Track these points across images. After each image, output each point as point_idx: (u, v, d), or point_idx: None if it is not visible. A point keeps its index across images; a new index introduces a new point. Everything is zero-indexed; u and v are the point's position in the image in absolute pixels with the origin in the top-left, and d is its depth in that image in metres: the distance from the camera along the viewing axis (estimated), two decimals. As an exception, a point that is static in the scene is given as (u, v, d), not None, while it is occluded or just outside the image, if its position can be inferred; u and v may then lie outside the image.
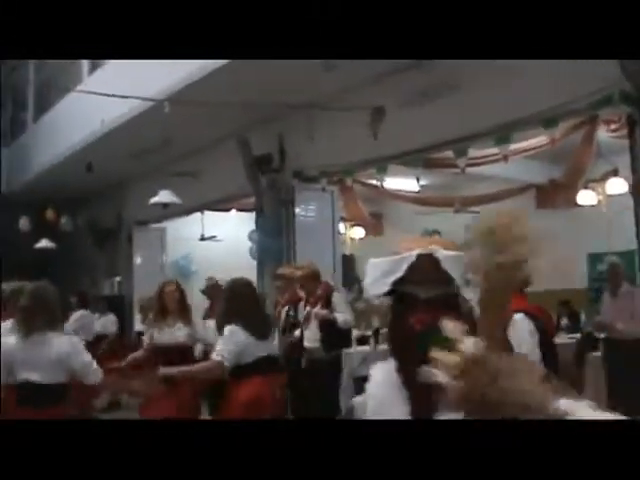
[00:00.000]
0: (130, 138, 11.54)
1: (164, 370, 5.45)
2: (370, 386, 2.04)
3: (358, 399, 2.05)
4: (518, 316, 3.69)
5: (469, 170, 8.94)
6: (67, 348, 4.78)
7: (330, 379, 7.95)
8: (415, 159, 8.90)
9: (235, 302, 5.43)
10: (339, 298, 7.96)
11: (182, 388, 6.11)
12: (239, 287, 5.64)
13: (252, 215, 12.63)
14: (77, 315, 10.36)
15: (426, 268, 1.85)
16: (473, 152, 8.51)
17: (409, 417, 1.84)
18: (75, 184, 14.70)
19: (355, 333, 11.76)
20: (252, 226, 11.57)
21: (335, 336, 7.93)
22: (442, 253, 1.84)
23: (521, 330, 3.69)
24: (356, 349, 11.09)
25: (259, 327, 5.38)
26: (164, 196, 9.23)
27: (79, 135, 12.68)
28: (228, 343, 5.20)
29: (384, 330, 12.17)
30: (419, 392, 1.79)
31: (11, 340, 4.88)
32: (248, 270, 11.66)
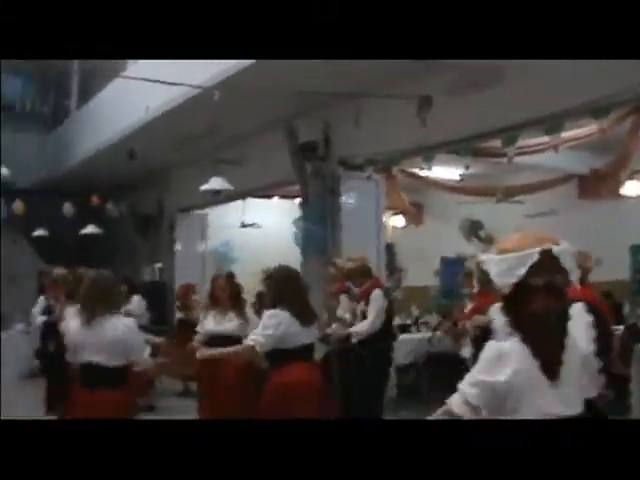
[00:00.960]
0: (174, 126, 11.60)
1: (201, 352, 5.55)
2: (507, 373, 2.26)
3: (499, 386, 2.22)
4: (578, 306, 3.69)
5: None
6: (124, 331, 4.91)
7: (378, 369, 7.93)
8: (464, 148, 8.87)
9: (280, 288, 5.50)
10: (376, 296, 7.72)
11: (227, 371, 6.24)
12: (284, 274, 5.72)
13: (294, 203, 12.69)
14: (135, 300, 10.49)
15: (546, 262, 2.29)
16: (521, 141, 8.47)
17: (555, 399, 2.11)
18: (118, 171, 14.83)
19: (396, 321, 11.82)
20: (294, 214, 11.63)
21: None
22: (558, 249, 2.31)
23: (578, 319, 3.70)
24: (398, 338, 11.15)
25: (303, 314, 5.44)
26: (216, 183, 9.27)
27: (123, 122, 12.77)
28: (267, 327, 5.29)
29: (424, 319, 12.22)
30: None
31: (74, 324, 5.05)
32: (289, 257, 11.75)
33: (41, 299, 10.95)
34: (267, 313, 5.38)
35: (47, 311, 9.78)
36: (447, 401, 2.40)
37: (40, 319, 10.04)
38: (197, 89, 9.28)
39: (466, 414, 2.25)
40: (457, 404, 2.32)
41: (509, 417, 2.05)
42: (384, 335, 7.74)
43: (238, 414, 6.04)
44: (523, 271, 2.28)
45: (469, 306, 7.33)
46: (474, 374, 2.35)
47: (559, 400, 2.17)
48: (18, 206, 13.56)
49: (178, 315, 12.05)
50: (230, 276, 7.01)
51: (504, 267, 2.35)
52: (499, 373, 2.25)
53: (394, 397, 10.19)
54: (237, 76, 8.84)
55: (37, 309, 10.05)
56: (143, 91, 10.83)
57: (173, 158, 13.95)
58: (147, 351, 5.07)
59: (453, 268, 12.48)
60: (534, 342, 2.26)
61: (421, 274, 14.73)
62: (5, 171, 10.81)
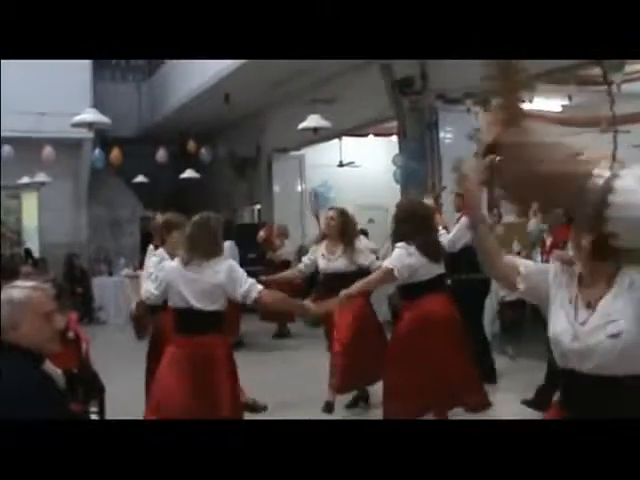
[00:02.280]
0: (266, 68, 11.55)
1: (344, 292, 5.43)
2: None
3: None
4: None
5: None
6: (224, 273, 4.85)
7: (477, 300, 7.87)
8: (566, 77, 8.54)
9: (409, 223, 5.46)
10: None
11: (356, 300, 6.18)
12: (414, 208, 5.69)
13: (390, 140, 12.54)
14: (227, 246, 10.64)
15: None
16: (628, 67, 8.10)
17: None
18: (213, 115, 14.93)
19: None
20: (390, 151, 11.49)
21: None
22: None
23: None
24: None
25: (431, 249, 5.44)
26: (313, 120, 9.23)
27: (215, 67, 12.79)
28: (400, 258, 5.30)
29: (525, 253, 12.00)
30: None
31: (173, 264, 5.05)
32: (388, 195, 11.66)
33: (150, 248, 11.18)
34: (399, 245, 5.38)
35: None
36: None
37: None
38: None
39: None
40: None
41: None
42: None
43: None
44: None
45: (548, 241, 7.16)
46: None
47: None
48: (116, 154, 13.81)
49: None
50: (341, 210, 6.95)
51: None
52: None
53: (498, 333, 10.11)
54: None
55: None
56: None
57: (268, 99, 13.92)
58: (256, 283, 4.98)
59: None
60: None
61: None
62: (104, 119, 10.98)
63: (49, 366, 3.06)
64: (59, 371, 3.17)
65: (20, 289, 3.05)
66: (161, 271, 5.06)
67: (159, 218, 8.28)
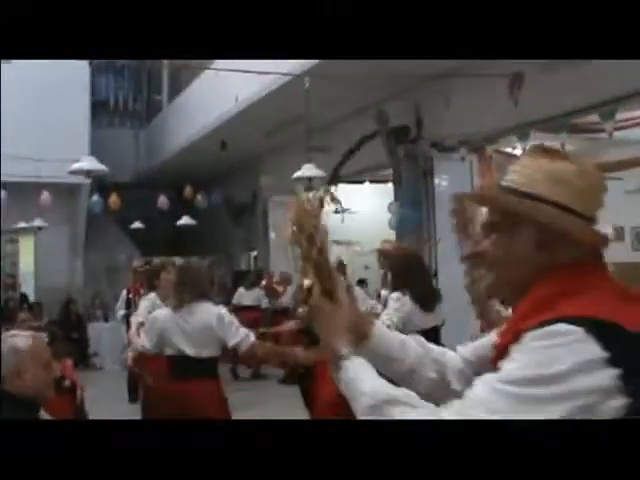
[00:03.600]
0: (265, 114, 11.68)
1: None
2: None
3: None
4: None
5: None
6: (215, 317, 4.90)
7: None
8: (560, 124, 8.64)
9: (404, 272, 5.49)
10: None
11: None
12: (409, 257, 5.72)
13: (386, 187, 12.61)
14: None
15: None
16: (620, 115, 8.20)
17: None
18: (211, 162, 15.05)
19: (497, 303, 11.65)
20: (386, 198, 11.55)
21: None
22: None
23: None
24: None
25: (425, 298, 5.46)
26: (307, 170, 9.30)
27: (214, 113, 12.94)
28: (397, 310, 5.31)
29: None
30: None
31: (163, 312, 5.11)
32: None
33: (123, 293, 11.29)
34: (393, 296, 5.42)
35: (127, 305, 10.08)
36: None
37: (120, 313, 10.32)
38: (287, 77, 9.32)
39: None
40: None
41: None
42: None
43: None
44: None
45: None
46: None
47: None
48: (113, 200, 13.88)
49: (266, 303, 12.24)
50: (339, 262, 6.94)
51: None
52: None
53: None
54: (326, 63, 8.81)
55: (120, 303, 10.32)
56: (232, 82, 10.94)
57: (264, 146, 14.05)
58: (245, 331, 5.01)
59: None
60: None
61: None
62: (101, 167, 11.06)
63: (45, 415, 3.07)
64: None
65: (23, 338, 3.07)
66: (154, 322, 5.09)
67: (135, 265, 8.31)
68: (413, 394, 1.61)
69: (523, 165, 1.69)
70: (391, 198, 10.95)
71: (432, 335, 5.50)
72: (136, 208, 15.55)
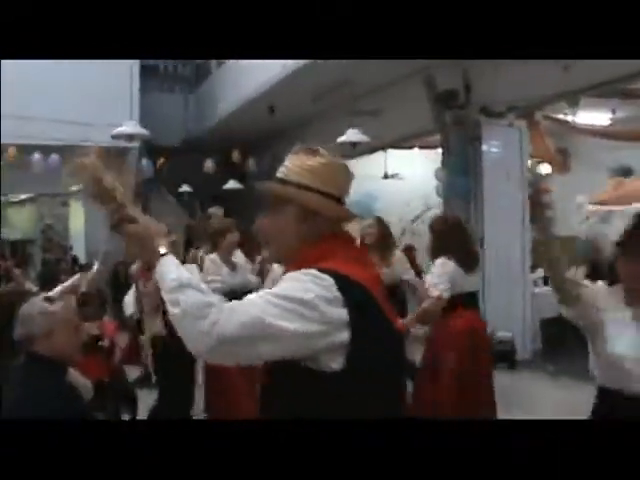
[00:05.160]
0: (312, 79, 11.60)
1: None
2: None
3: None
4: None
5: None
6: None
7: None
8: (611, 90, 8.45)
9: (446, 236, 5.51)
10: None
11: None
12: (450, 222, 5.79)
13: (435, 153, 12.49)
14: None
15: None
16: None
17: None
18: (258, 126, 15.02)
19: (541, 273, 11.55)
20: (435, 164, 11.45)
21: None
22: None
23: None
24: (542, 289, 10.89)
25: (469, 260, 5.50)
26: (352, 135, 9.24)
27: (261, 78, 12.87)
28: (442, 276, 5.31)
29: (570, 269, 11.83)
30: None
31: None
32: (432, 208, 11.63)
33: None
34: (438, 262, 5.43)
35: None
36: None
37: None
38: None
39: None
40: None
41: None
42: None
43: None
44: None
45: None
46: None
47: None
48: (162, 163, 13.97)
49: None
50: (379, 220, 6.84)
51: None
52: None
53: (540, 350, 10.00)
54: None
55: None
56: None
57: (312, 111, 13.97)
58: None
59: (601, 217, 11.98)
60: None
61: (567, 224, 14.22)
62: (142, 131, 11.11)
63: (74, 376, 3.11)
64: (87, 382, 3.22)
65: (55, 301, 3.13)
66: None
67: (212, 221, 8.20)
68: (205, 286, 2.05)
69: (290, 161, 2.29)
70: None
71: (474, 299, 5.65)
72: (184, 172, 15.62)
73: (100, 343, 4.96)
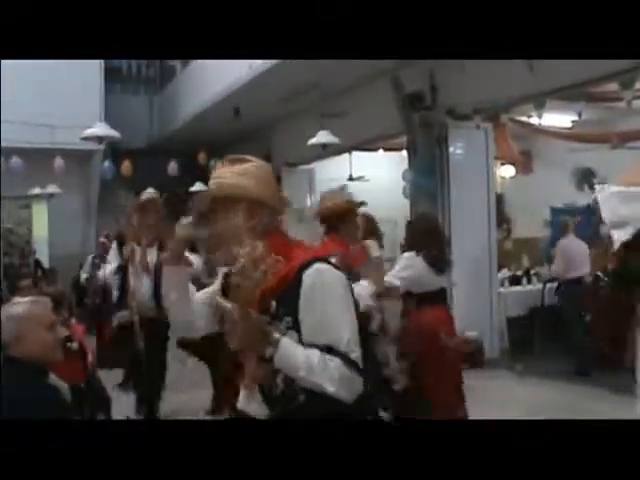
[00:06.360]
0: (278, 82, 11.59)
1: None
2: None
3: None
4: None
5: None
6: None
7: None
8: (577, 93, 8.54)
9: (417, 234, 5.58)
10: None
11: None
12: (422, 220, 5.92)
13: (400, 155, 12.55)
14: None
15: None
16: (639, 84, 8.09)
17: None
18: (224, 128, 14.98)
19: (506, 273, 11.67)
20: (400, 166, 11.51)
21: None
22: None
23: None
24: (509, 289, 11.01)
25: (437, 260, 5.52)
26: (322, 136, 9.25)
27: (227, 80, 12.83)
28: (403, 268, 5.41)
29: (535, 270, 11.98)
30: None
31: None
32: (398, 210, 11.68)
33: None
34: (405, 255, 5.56)
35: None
36: None
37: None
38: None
39: None
40: None
41: None
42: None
43: None
44: None
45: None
46: None
47: None
48: (126, 166, 13.84)
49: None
50: (366, 217, 6.75)
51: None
52: None
53: (507, 349, 10.08)
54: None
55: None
56: (247, 47, 10.82)
57: (278, 113, 13.97)
58: None
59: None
60: None
61: (531, 225, 14.40)
62: (113, 133, 11.02)
63: (54, 379, 3.10)
64: (65, 384, 3.20)
65: (20, 304, 3.12)
66: None
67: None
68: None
69: (222, 170, 2.52)
70: (405, 166, 10.91)
71: (441, 297, 5.68)
72: (149, 174, 15.50)
73: (69, 345, 4.90)
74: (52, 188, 15.01)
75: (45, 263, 15.96)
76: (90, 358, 5.23)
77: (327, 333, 2.28)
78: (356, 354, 2.27)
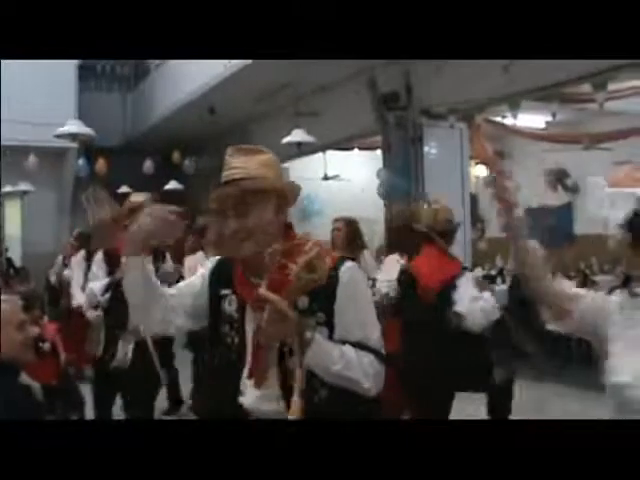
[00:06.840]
0: (254, 79, 11.56)
1: None
2: None
3: None
4: None
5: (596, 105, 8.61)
6: None
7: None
8: (551, 94, 8.61)
9: (395, 234, 5.57)
10: None
11: None
12: (398, 220, 5.79)
13: (375, 154, 12.58)
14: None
15: None
16: (611, 86, 8.17)
17: None
18: (199, 127, 14.92)
19: (480, 272, 11.73)
20: (374, 165, 11.53)
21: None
22: None
23: None
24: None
25: None
26: (297, 135, 9.24)
27: (202, 79, 12.79)
28: (388, 273, 5.33)
29: (509, 270, 12.03)
30: None
31: None
32: (372, 209, 11.69)
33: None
34: (390, 258, 5.61)
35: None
36: None
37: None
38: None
39: None
40: None
41: None
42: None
43: None
44: None
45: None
46: None
47: None
48: (100, 164, 13.75)
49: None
50: (347, 220, 6.63)
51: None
52: None
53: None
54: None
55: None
56: (222, 46, 10.78)
57: (253, 112, 13.94)
58: None
59: (537, 218, 12.22)
60: None
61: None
62: (87, 130, 10.96)
63: (26, 378, 3.06)
64: (37, 384, 3.16)
65: None
66: None
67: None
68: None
69: (240, 161, 2.43)
70: (380, 165, 10.92)
71: None
72: (123, 172, 15.42)
73: (41, 344, 4.85)
74: (25, 186, 14.89)
75: (17, 261, 15.82)
76: (63, 358, 5.18)
77: (361, 329, 2.30)
78: (384, 350, 2.32)
